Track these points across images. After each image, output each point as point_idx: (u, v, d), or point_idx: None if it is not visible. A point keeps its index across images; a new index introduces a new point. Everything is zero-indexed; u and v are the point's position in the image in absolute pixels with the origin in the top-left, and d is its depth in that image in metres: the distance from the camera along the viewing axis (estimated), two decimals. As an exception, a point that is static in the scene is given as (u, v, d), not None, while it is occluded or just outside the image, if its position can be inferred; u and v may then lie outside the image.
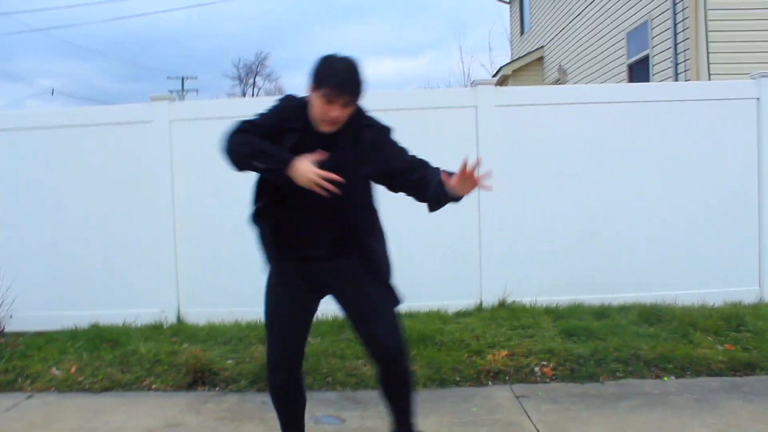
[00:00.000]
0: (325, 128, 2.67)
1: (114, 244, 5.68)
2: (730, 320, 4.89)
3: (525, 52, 16.98)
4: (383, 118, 2.93)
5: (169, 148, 5.61)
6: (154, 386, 4.38)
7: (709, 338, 4.65)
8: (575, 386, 4.10)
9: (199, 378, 4.37)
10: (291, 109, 2.77)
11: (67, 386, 4.43)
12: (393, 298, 2.86)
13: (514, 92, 6.46)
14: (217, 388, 4.30)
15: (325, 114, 2.63)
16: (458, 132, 5.54)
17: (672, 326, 4.78)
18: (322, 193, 2.53)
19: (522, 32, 18.57)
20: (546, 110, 5.62)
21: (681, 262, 5.54)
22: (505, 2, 19.94)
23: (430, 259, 5.44)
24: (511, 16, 19.99)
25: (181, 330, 5.28)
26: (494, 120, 5.54)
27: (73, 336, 5.18)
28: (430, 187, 2.68)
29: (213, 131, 5.42)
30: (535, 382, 4.18)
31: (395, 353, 2.82)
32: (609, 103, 5.64)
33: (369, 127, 2.79)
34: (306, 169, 2.53)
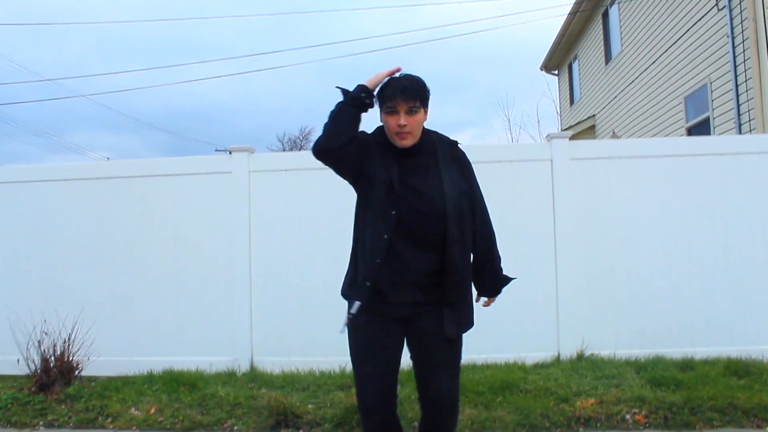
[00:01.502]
0: (401, 143, 2.71)
1: (188, 292, 5.76)
2: (823, 374, 4.73)
3: (575, 122, 17.09)
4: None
5: (248, 198, 5.74)
6: (236, 428, 4.37)
7: (805, 391, 4.48)
8: (671, 434, 3.97)
9: (282, 421, 4.34)
10: (373, 134, 2.83)
11: (147, 425, 4.46)
12: (458, 352, 2.79)
13: (588, 145, 6.49)
14: (300, 431, 4.26)
15: (393, 125, 2.68)
16: (533, 185, 5.59)
17: (763, 378, 4.63)
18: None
19: (572, 102, 18.74)
20: (620, 163, 5.62)
21: (765, 314, 5.38)
22: (553, 74, 20.25)
23: (507, 313, 5.31)
24: (560, 87, 20.24)
25: (256, 377, 5.28)
26: (569, 173, 5.58)
27: (149, 379, 5.23)
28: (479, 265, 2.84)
29: (291, 182, 5.69)
30: (628, 429, 4.06)
31: (448, 407, 2.77)
32: (682, 156, 5.61)
33: (450, 145, 2.84)
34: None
